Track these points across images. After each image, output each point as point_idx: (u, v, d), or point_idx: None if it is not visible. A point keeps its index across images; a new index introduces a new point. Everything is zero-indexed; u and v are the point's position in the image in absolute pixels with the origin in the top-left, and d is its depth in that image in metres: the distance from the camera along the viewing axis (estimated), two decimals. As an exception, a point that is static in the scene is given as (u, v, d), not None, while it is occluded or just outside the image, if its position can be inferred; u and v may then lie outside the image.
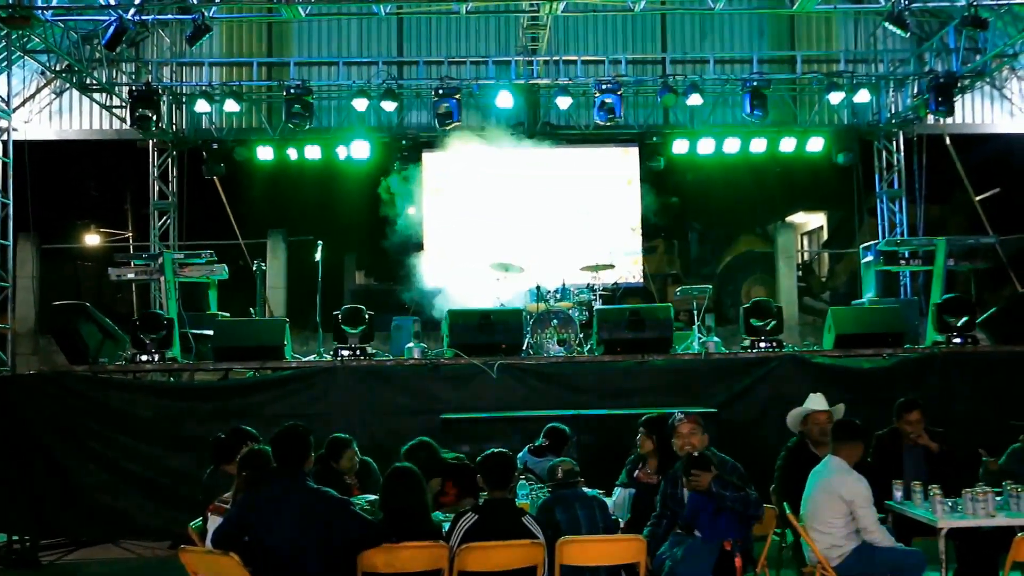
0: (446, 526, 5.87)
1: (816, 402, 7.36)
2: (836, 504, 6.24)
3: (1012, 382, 9.90)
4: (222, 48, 16.10)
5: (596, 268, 12.59)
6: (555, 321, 11.19)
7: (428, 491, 6.01)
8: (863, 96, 14.44)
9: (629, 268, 15.98)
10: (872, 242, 13.16)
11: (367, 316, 10.86)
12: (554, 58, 15.18)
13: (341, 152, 15.48)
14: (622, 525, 6.70)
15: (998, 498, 6.40)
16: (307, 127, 14.42)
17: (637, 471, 7.21)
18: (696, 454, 6.29)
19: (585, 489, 6.47)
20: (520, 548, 5.63)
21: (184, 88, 15.70)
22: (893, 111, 15.81)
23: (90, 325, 10.78)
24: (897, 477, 6.98)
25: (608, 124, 14.18)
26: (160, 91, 14.63)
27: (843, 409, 7.31)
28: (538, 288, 12.00)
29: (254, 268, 13.06)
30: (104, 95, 14.81)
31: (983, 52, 13.78)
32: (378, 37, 16.27)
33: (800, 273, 19.70)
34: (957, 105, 14.31)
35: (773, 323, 10.90)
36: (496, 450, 6.07)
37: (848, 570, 6.22)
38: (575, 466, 6.45)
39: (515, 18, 15.24)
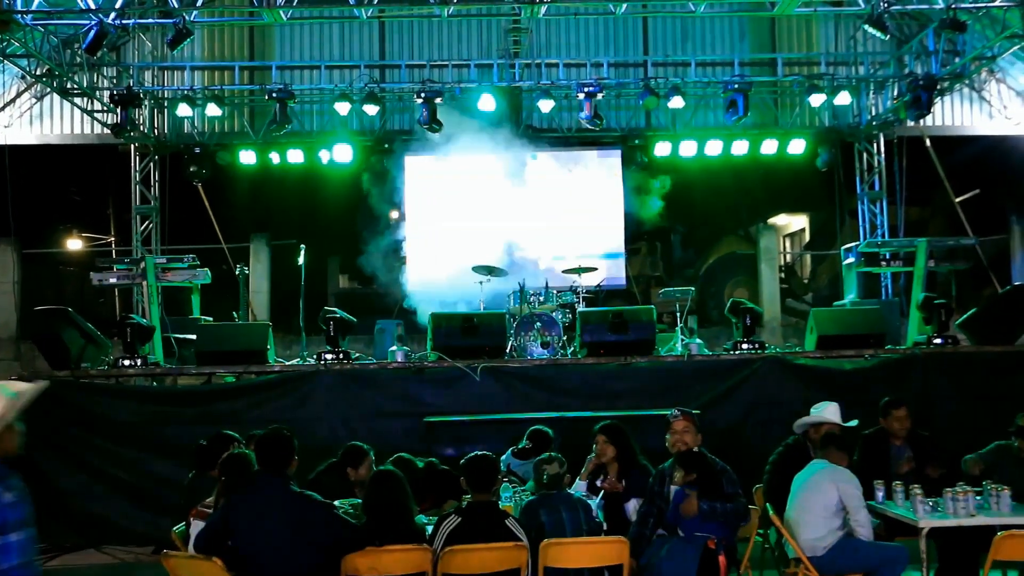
0: (430, 529, 5.88)
1: (832, 413, 7.05)
2: (827, 494, 6.31)
3: (992, 382, 9.96)
4: (204, 52, 16.05)
5: (579, 271, 12.59)
6: (538, 324, 11.19)
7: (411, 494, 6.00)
8: (844, 98, 14.53)
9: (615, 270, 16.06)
10: (853, 244, 13.22)
11: (331, 320, 10.66)
12: (536, 61, 15.20)
13: (324, 156, 15.43)
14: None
15: (978, 497, 6.46)
16: (288, 130, 14.40)
17: (600, 482, 6.98)
18: (696, 449, 6.33)
19: (571, 491, 6.48)
20: (503, 550, 5.64)
21: (166, 92, 15.66)
22: (874, 113, 15.89)
23: (72, 330, 10.68)
24: (883, 477, 7.02)
25: (591, 127, 14.20)
26: (142, 95, 14.57)
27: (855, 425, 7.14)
28: (521, 290, 12.00)
29: (237, 272, 13.01)
30: (85, 99, 14.73)
31: (962, 55, 13.89)
32: (360, 41, 16.25)
33: (782, 275, 19.81)
34: (936, 107, 14.39)
35: (742, 326, 10.81)
36: (479, 453, 6.07)
37: (831, 564, 6.28)
38: (563, 464, 6.36)
39: (497, 21, 15.26)
